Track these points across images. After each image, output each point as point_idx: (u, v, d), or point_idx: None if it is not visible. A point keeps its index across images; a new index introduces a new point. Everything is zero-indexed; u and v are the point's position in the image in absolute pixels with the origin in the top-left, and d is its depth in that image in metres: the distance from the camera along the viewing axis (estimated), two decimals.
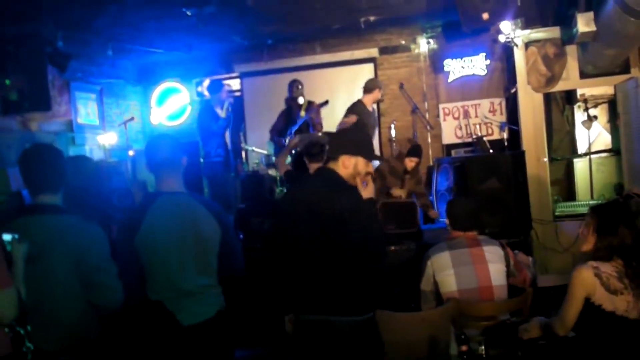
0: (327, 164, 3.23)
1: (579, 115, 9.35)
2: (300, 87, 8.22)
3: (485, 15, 7.13)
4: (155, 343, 3.02)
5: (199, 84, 11.02)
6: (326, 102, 8.58)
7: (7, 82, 7.63)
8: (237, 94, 10.96)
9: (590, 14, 7.09)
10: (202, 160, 8.32)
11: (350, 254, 2.96)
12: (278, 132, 8.16)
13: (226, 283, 3.27)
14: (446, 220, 4.37)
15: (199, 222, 3.13)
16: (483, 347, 3.07)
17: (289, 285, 3.13)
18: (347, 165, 3.12)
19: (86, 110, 9.95)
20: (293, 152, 6.78)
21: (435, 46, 10.23)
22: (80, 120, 9.72)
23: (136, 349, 3.05)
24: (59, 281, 2.87)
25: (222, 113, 7.81)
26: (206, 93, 10.24)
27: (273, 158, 9.33)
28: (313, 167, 5.70)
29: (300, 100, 8.18)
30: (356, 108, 7.82)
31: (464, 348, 3.04)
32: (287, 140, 7.93)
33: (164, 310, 3.01)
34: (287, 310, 3.23)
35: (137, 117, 11.18)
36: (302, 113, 8.11)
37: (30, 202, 3.08)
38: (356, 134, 3.60)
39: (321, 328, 3.00)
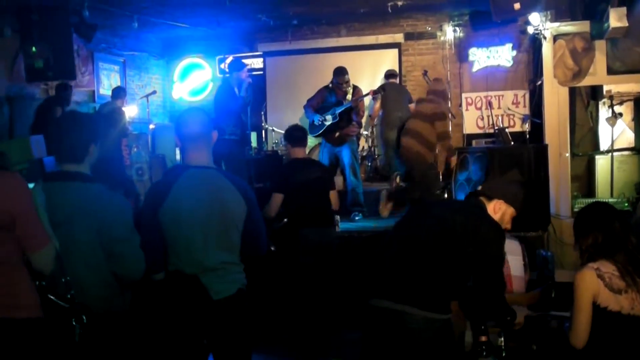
0: (479, 196, 3.32)
1: (604, 112, 9.24)
2: (349, 79, 8.13)
3: (517, 5, 7.07)
4: (185, 318, 3.04)
5: (222, 60, 10.99)
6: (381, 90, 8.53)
7: (34, 49, 7.66)
8: (259, 72, 10.93)
9: (623, 9, 7.00)
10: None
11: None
12: (313, 109, 8.08)
13: (248, 262, 3.26)
14: None
15: (225, 198, 3.10)
16: (502, 339, 3.05)
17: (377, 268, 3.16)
18: (497, 211, 3.23)
19: (109, 81, 9.99)
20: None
21: (461, 34, 10.15)
22: (103, 91, 9.76)
23: (164, 323, 3.06)
24: (82, 248, 2.87)
25: (239, 92, 7.76)
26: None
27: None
28: (295, 152, 5.70)
29: (348, 90, 8.11)
30: None
31: (483, 338, 3.02)
32: (328, 119, 7.86)
33: (195, 285, 3.02)
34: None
35: (158, 91, 11.21)
36: (349, 97, 8.05)
37: (55, 169, 3.08)
38: (518, 187, 3.60)
39: (392, 317, 2.99)
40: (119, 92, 9.02)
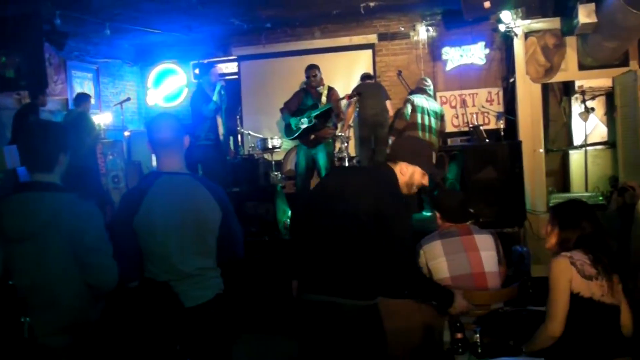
0: (387, 161, 3.30)
1: (576, 107, 9.37)
2: (318, 74, 8.09)
3: (487, 4, 7.13)
4: (156, 325, 3.02)
5: (196, 66, 10.95)
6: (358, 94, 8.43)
7: (3, 59, 7.57)
8: (234, 77, 10.92)
9: (592, 6, 7.10)
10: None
11: (375, 246, 3.00)
12: (290, 112, 8.06)
13: (225, 266, 3.26)
14: (436, 213, 4.33)
15: (199, 204, 3.09)
16: (478, 335, 3.07)
17: (302, 263, 3.15)
18: (404, 173, 3.20)
19: (82, 89, 9.89)
20: None
21: (434, 34, 10.20)
22: None
23: (136, 330, 3.04)
24: (55, 259, 2.83)
25: (214, 96, 7.74)
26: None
27: (270, 140, 9.31)
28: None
29: (320, 88, 8.08)
30: None
31: (459, 335, 3.04)
32: (304, 122, 7.82)
33: (166, 292, 3.00)
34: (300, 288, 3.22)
35: (133, 97, 11.13)
36: (324, 99, 8.00)
37: (26, 180, 3.05)
38: (418, 144, 3.65)
39: (324, 309, 3.00)
40: (81, 99, 8.86)
